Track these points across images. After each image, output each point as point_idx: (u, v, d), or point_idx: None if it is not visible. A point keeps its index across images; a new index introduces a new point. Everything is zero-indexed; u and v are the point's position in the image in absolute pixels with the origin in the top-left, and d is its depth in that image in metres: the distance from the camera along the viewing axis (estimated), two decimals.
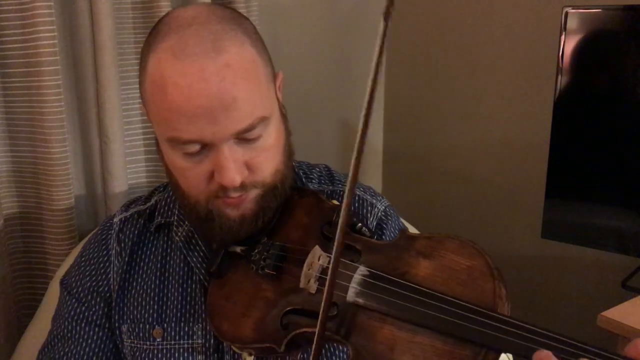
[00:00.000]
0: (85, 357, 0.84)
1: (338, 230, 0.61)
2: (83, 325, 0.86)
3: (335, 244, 0.62)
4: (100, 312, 0.86)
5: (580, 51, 1.32)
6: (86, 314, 0.86)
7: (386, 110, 1.95)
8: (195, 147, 0.71)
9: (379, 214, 0.89)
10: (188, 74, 0.68)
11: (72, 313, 0.87)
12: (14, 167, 1.22)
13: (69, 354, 0.85)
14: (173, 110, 0.69)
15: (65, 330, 0.86)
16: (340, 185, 0.91)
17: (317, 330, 0.62)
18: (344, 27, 1.80)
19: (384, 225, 0.88)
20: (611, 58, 1.32)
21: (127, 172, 1.28)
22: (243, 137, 0.72)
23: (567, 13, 1.31)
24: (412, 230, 1.24)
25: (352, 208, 0.87)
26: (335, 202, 0.82)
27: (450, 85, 1.77)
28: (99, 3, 1.17)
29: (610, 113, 1.33)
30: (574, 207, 1.40)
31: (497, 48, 1.65)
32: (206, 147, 0.72)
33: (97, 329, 0.86)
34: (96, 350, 0.85)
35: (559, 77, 1.34)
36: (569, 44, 1.32)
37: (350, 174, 0.61)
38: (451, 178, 1.81)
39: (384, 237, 0.87)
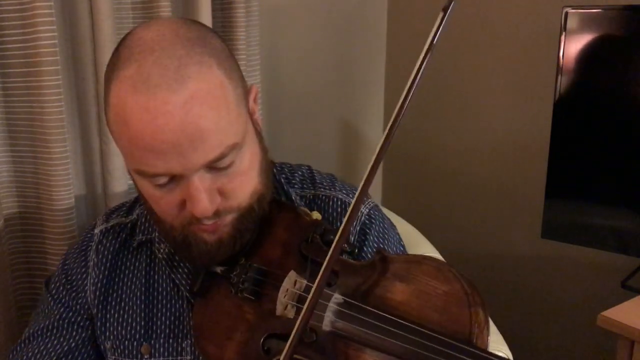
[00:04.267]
0: (68, 351, 0.84)
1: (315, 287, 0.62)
2: (66, 325, 0.86)
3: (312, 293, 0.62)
4: (85, 315, 0.86)
5: (580, 51, 1.32)
6: (70, 314, 0.86)
7: (386, 110, 1.95)
8: (164, 179, 0.69)
9: (362, 218, 0.87)
10: (151, 108, 0.64)
11: (56, 312, 0.87)
12: (14, 167, 1.22)
13: (51, 348, 0.84)
14: (138, 144, 0.66)
15: (45, 330, 0.85)
16: (321, 189, 0.89)
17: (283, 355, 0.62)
18: (344, 27, 1.80)
19: (367, 230, 0.86)
20: (611, 58, 1.32)
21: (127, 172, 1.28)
22: (214, 167, 0.69)
23: (567, 13, 1.31)
24: (412, 230, 1.24)
25: (335, 214, 0.86)
26: (316, 214, 0.80)
27: (450, 86, 1.77)
28: (99, 3, 1.17)
29: (611, 113, 1.33)
30: (574, 207, 1.40)
31: (497, 48, 1.65)
32: (175, 178, 0.69)
33: (80, 329, 0.86)
34: (79, 347, 0.85)
35: (559, 77, 1.34)
36: (569, 44, 1.32)
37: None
38: (451, 178, 1.81)
39: (366, 242, 0.85)
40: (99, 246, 0.88)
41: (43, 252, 1.25)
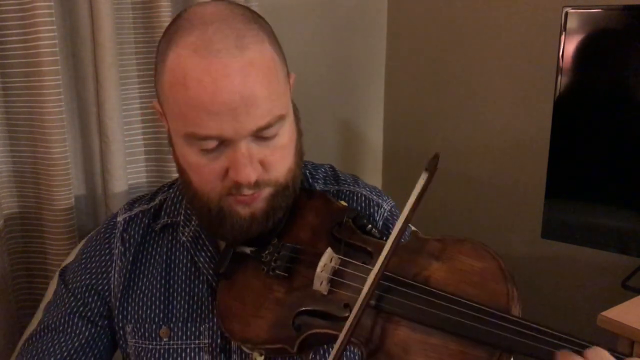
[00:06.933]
0: (73, 351, 0.84)
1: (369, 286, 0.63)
2: (76, 320, 0.86)
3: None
4: (96, 310, 0.87)
5: (580, 51, 1.32)
6: (81, 309, 0.87)
7: (386, 110, 1.95)
8: (213, 143, 0.72)
9: (385, 214, 0.89)
10: (212, 70, 0.68)
11: (67, 306, 0.87)
12: (14, 167, 1.22)
13: (57, 346, 0.84)
14: (195, 105, 0.69)
15: (58, 323, 0.86)
16: (345, 185, 0.91)
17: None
18: (344, 27, 1.80)
19: (390, 225, 0.88)
20: (611, 58, 1.32)
21: (127, 172, 1.28)
22: (260, 135, 0.72)
23: (567, 13, 1.31)
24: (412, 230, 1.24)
25: (359, 208, 0.88)
26: (343, 202, 0.82)
27: (450, 85, 1.77)
28: (99, 3, 1.17)
29: (610, 113, 1.33)
30: (574, 207, 1.40)
31: (497, 48, 1.65)
32: (223, 143, 0.72)
33: (89, 325, 0.86)
34: (85, 346, 0.85)
35: (559, 77, 1.34)
36: (569, 44, 1.32)
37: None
38: (451, 178, 1.81)
39: (390, 235, 0.87)
40: (124, 234, 0.89)
41: (43, 252, 1.25)
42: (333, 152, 1.85)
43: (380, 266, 0.64)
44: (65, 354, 0.84)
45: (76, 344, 0.85)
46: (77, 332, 0.86)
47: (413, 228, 0.87)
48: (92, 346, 0.86)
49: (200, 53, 0.69)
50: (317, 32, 1.74)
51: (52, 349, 0.84)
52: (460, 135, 1.77)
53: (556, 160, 1.39)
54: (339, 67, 1.81)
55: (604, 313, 1.17)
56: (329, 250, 0.72)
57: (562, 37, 1.32)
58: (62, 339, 0.85)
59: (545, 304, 1.65)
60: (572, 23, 1.30)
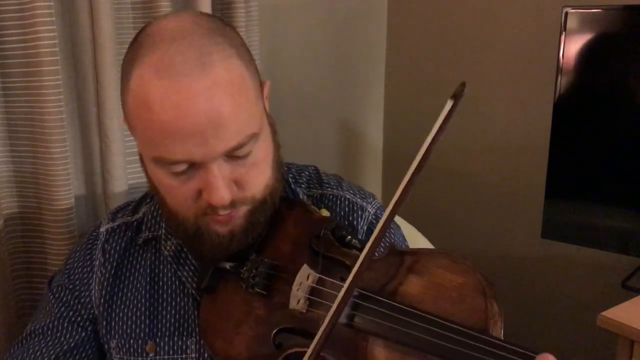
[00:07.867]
0: (61, 353, 0.83)
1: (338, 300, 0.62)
2: (65, 324, 0.86)
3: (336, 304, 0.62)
4: (85, 316, 0.86)
5: (580, 51, 1.32)
6: (70, 314, 0.86)
7: (386, 110, 1.95)
8: (183, 167, 0.69)
9: (370, 217, 0.87)
10: (174, 93, 0.65)
11: (56, 312, 0.87)
12: (14, 167, 1.22)
13: (45, 349, 0.84)
14: (160, 129, 0.66)
15: (46, 328, 0.85)
16: (329, 189, 0.89)
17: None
18: (344, 27, 1.80)
19: (374, 230, 0.87)
20: (611, 58, 1.32)
21: (127, 172, 1.28)
22: (233, 155, 0.70)
23: (567, 13, 1.31)
24: (411, 230, 1.24)
25: (342, 213, 0.86)
26: (324, 211, 0.81)
27: (450, 86, 1.76)
28: (99, 3, 1.17)
29: (610, 113, 1.33)
30: (574, 207, 1.40)
31: (497, 48, 1.65)
32: (194, 165, 0.69)
33: (79, 329, 0.86)
34: (74, 349, 0.85)
35: (559, 77, 1.34)
36: (569, 44, 1.32)
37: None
38: (451, 178, 1.81)
39: None
40: (106, 245, 0.88)
41: (43, 252, 1.25)
42: (333, 152, 1.85)
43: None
44: (53, 356, 0.83)
45: (65, 347, 0.84)
46: (67, 335, 0.85)
47: (389, 241, 0.86)
48: (81, 350, 0.85)
49: (162, 74, 0.65)
50: (317, 32, 1.74)
51: (38, 352, 0.83)
52: (460, 135, 1.77)
53: (556, 160, 1.39)
54: (339, 67, 1.81)
55: (604, 313, 1.17)
56: (305, 267, 0.71)
57: (562, 37, 1.32)
58: (50, 342, 0.84)
59: (545, 304, 1.65)
60: (572, 23, 1.31)
